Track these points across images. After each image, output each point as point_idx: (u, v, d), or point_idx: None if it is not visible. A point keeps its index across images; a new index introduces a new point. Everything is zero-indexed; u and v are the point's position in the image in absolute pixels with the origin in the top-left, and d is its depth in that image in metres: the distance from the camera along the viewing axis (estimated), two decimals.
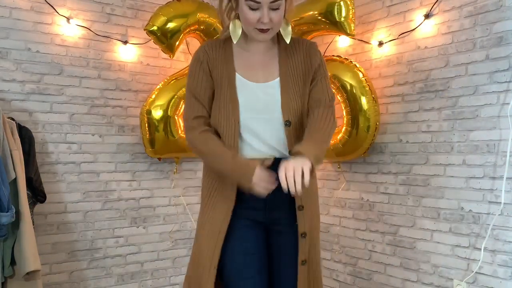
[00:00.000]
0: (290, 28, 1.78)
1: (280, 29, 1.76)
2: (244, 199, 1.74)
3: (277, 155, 1.75)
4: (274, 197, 1.69)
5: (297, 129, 1.76)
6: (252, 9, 1.65)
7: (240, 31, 1.74)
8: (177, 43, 2.90)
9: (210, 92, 1.77)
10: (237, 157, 1.70)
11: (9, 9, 2.67)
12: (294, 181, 1.50)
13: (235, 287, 1.74)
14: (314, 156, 1.58)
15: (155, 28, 2.79)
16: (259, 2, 1.62)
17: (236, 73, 1.76)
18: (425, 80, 2.68)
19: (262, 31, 1.68)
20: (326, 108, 1.76)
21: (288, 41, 1.78)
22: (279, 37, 1.82)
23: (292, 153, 1.63)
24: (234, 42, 1.76)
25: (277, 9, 1.66)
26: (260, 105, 1.74)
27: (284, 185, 1.51)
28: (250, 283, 1.72)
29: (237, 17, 1.74)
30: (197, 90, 1.76)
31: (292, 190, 1.51)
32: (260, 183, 1.64)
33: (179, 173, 3.25)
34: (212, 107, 1.78)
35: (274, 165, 1.69)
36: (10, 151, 2.30)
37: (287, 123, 1.73)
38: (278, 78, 1.76)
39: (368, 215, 3.01)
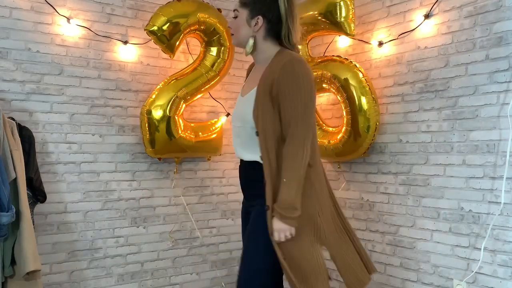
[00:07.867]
0: (251, 42, 1.95)
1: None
2: None
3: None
4: None
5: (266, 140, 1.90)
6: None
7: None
8: (177, 43, 2.91)
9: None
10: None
11: (9, 9, 2.67)
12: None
13: None
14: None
15: (155, 28, 2.80)
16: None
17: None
18: (425, 80, 2.68)
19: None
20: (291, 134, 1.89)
21: (246, 54, 1.99)
22: (273, 59, 1.93)
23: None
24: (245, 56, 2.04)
25: (235, 17, 1.97)
26: (234, 115, 2.04)
27: None
28: None
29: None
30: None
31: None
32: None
33: (179, 173, 3.24)
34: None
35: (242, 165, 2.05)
36: (11, 151, 2.31)
37: (256, 133, 1.90)
38: (255, 89, 1.93)
39: (368, 215, 3.01)
